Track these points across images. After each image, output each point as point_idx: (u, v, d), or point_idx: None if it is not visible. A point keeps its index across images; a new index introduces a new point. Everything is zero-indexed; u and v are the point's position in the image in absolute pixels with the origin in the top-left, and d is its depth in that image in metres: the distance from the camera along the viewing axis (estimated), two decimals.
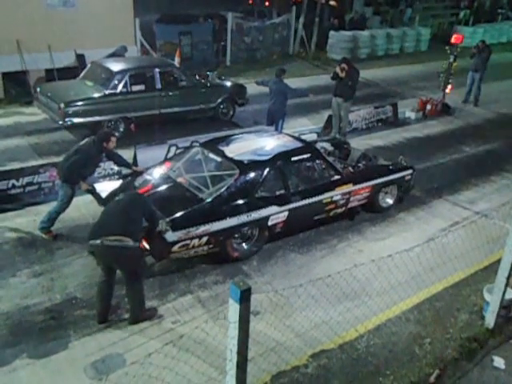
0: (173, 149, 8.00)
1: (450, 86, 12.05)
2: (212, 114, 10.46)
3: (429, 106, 11.90)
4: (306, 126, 10.51)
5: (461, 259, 5.65)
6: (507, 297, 4.88)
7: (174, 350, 3.85)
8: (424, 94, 12.94)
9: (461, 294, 5.52)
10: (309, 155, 6.40)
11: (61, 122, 8.75)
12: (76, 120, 8.76)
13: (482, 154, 9.95)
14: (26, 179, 6.88)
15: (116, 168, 7.41)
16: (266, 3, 18.00)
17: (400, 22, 22.72)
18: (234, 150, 6.23)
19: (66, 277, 5.45)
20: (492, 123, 11.96)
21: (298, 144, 6.69)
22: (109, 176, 7.39)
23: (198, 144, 7.72)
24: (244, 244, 5.95)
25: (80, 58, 11.84)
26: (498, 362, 4.58)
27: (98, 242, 4.45)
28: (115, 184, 6.10)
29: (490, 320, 4.90)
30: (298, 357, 4.46)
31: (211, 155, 6.31)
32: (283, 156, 6.19)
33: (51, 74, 11.47)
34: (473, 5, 26.24)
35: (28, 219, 6.50)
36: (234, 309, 2.77)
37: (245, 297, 2.73)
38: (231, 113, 10.74)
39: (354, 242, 6.48)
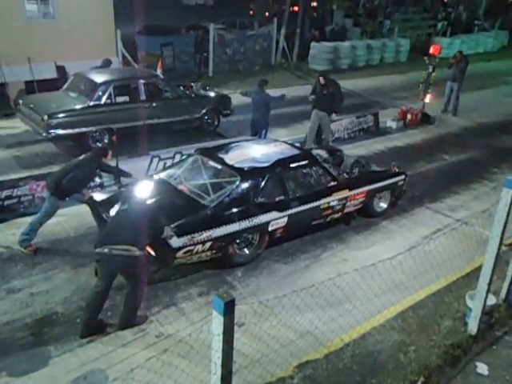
0: (155, 160, 8.00)
1: (429, 96, 12.27)
2: (197, 125, 10.45)
3: (409, 116, 12.08)
4: (288, 136, 10.55)
5: (443, 266, 5.71)
6: (489, 303, 4.94)
7: (158, 365, 3.79)
8: (404, 104, 13.14)
9: (444, 301, 5.57)
10: (306, 162, 6.56)
11: (44, 134, 8.64)
12: (60, 132, 8.66)
13: (461, 163, 10.12)
14: (5, 192, 6.76)
15: (98, 180, 7.35)
16: (266, 14, 18.25)
17: (379, 34, 23.12)
18: (233, 158, 6.34)
19: (46, 292, 5.34)
20: (471, 132, 12.19)
21: (296, 151, 6.85)
22: (91, 188, 7.30)
23: (181, 155, 7.88)
24: (246, 249, 6.02)
25: (60, 69, 11.75)
26: (482, 368, 4.61)
27: (106, 250, 4.54)
28: (111, 193, 6.19)
29: (473, 326, 4.95)
30: (284, 368, 4.43)
31: (211, 163, 6.40)
32: (282, 163, 6.33)
33: (31, 86, 11.35)
34: (450, 16, 26.87)
35: (7, 233, 6.37)
36: (217, 321, 2.74)
37: (228, 309, 2.71)
38: (216, 123, 10.75)
39: (337, 251, 6.50)
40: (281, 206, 6.04)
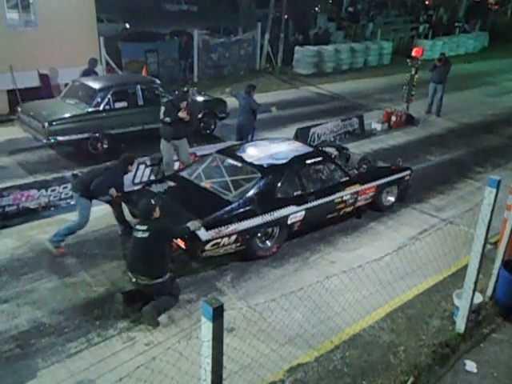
0: (142, 167, 7.97)
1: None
2: (194, 129, 10.46)
3: (393, 118, 12.18)
4: None
5: (429, 266, 5.77)
6: (476, 301, 5.01)
7: (147, 373, 3.75)
8: (388, 106, 13.26)
9: (431, 301, 5.62)
10: (321, 158, 6.90)
11: (45, 141, 8.69)
12: (60, 138, 8.74)
13: (445, 163, 10.23)
14: None
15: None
16: (285, 16, 18.33)
17: (362, 37, 23.33)
18: (251, 156, 6.68)
19: (33, 303, 5.27)
20: (454, 132, 12.34)
21: (310, 149, 7.21)
22: None
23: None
24: (268, 241, 6.30)
25: (43, 77, 11.64)
26: (470, 365, 4.66)
27: (134, 280, 5.00)
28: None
29: (461, 325, 5.00)
30: (274, 372, 4.43)
31: (230, 161, 6.74)
32: (299, 159, 6.68)
33: (13, 95, 11.22)
34: (431, 19, 27.24)
35: None
36: (206, 327, 2.73)
37: (217, 314, 2.70)
38: (212, 127, 10.86)
39: (326, 253, 6.53)
40: (298, 201, 6.33)
